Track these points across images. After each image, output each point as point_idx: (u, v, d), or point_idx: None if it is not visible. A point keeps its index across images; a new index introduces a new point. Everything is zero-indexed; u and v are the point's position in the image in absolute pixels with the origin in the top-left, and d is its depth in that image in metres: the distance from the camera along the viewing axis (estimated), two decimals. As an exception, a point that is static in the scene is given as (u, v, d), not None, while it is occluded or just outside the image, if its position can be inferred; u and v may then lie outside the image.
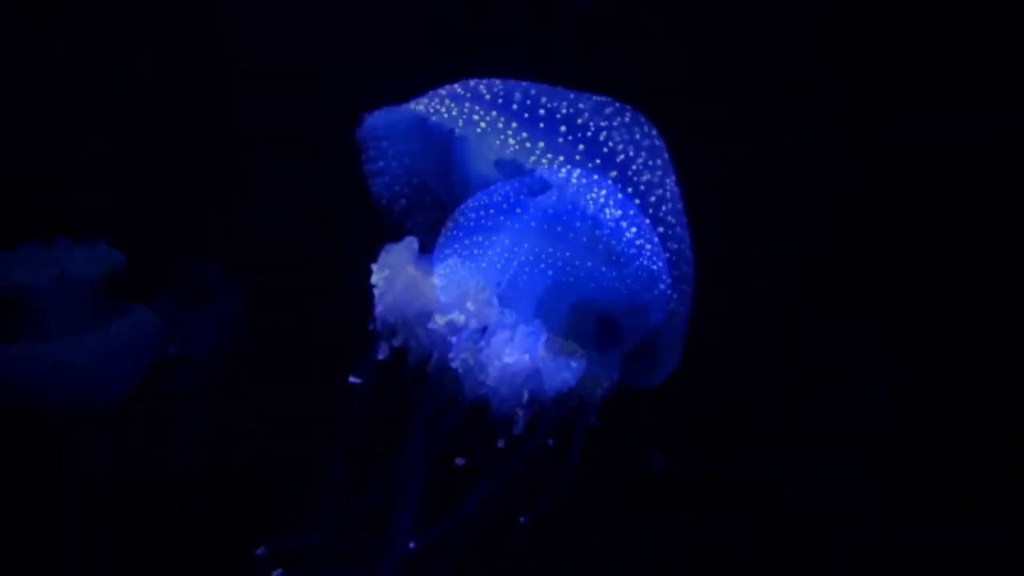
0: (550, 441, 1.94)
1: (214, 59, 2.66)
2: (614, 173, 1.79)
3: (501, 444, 1.87)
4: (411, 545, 1.91)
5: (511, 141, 1.73)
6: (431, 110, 1.78)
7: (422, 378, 1.85)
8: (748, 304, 2.59)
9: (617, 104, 1.88)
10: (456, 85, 1.89)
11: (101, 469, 2.45)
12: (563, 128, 1.79)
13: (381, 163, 2.04)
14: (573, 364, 1.83)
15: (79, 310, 2.35)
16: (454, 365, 1.80)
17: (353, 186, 2.58)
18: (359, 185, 2.45)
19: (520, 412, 1.81)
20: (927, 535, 2.51)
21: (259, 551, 1.98)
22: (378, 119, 1.95)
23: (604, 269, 1.88)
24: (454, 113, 1.76)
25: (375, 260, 1.87)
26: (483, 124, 1.74)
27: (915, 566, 2.51)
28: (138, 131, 2.67)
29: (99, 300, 2.38)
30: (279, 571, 1.97)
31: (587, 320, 1.96)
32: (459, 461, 1.85)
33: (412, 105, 1.85)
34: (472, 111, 1.77)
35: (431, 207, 2.10)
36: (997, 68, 2.53)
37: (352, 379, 1.86)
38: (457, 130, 1.76)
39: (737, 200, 2.53)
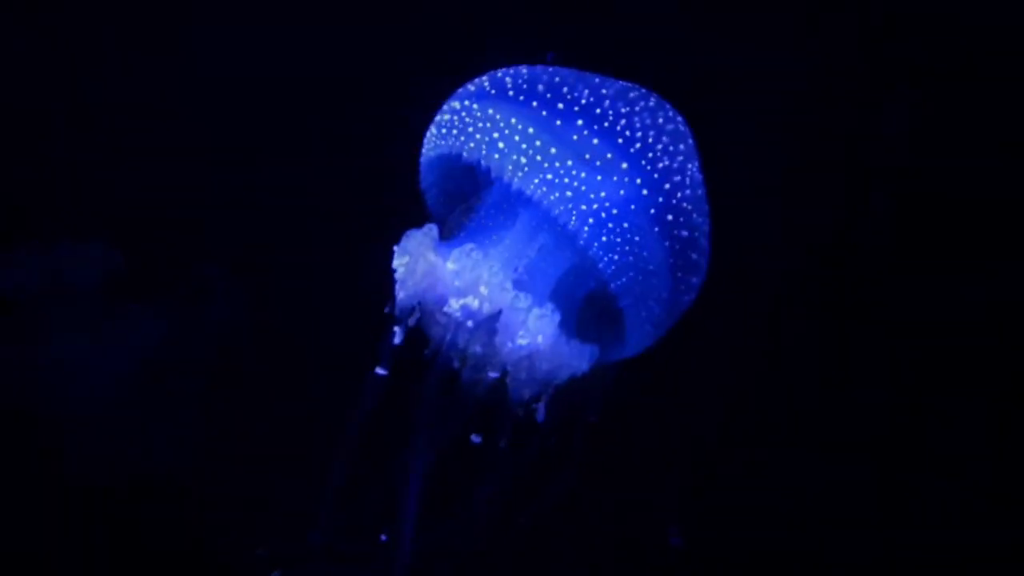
0: (549, 442, 1.94)
1: (214, 59, 2.66)
2: (625, 164, 1.79)
3: (503, 444, 1.87)
4: (411, 546, 1.91)
5: (523, 161, 1.77)
6: (458, 143, 1.87)
7: (435, 366, 1.86)
8: (748, 304, 2.59)
9: (642, 89, 1.88)
10: (485, 79, 1.90)
11: (101, 469, 2.45)
12: (580, 122, 1.79)
13: (430, 177, 2.08)
14: (586, 349, 1.85)
15: (79, 310, 2.35)
16: (469, 349, 1.81)
17: (354, 186, 2.58)
18: (360, 185, 2.46)
19: (529, 395, 1.82)
20: (927, 535, 2.51)
21: (259, 551, 1.98)
22: (425, 157, 2.02)
23: (601, 266, 1.89)
24: (477, 137, 1.83)
25: (381, 255, 1.88)
26: (501, 144, 1.79)
27: (915, 566, 2.51)
28: (138, 131, 2.67)
29: (99, 300, 2.38)
30: (279, 571, 1.97)
31: (593, 311, 1.98)
32: (475, 438, 1.86)
33: (443, 137, 1.91)
34: (495, 126, 1.81)
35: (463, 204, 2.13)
36: (998, 68, 2.53)
37: (379, 371, 1.87)
38: (482, 161, 1.82)
39: (737, 199, 2.53)
